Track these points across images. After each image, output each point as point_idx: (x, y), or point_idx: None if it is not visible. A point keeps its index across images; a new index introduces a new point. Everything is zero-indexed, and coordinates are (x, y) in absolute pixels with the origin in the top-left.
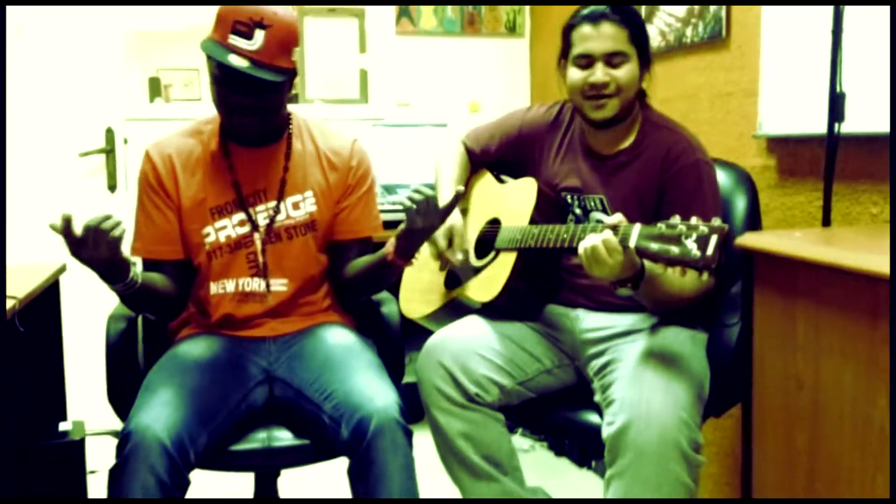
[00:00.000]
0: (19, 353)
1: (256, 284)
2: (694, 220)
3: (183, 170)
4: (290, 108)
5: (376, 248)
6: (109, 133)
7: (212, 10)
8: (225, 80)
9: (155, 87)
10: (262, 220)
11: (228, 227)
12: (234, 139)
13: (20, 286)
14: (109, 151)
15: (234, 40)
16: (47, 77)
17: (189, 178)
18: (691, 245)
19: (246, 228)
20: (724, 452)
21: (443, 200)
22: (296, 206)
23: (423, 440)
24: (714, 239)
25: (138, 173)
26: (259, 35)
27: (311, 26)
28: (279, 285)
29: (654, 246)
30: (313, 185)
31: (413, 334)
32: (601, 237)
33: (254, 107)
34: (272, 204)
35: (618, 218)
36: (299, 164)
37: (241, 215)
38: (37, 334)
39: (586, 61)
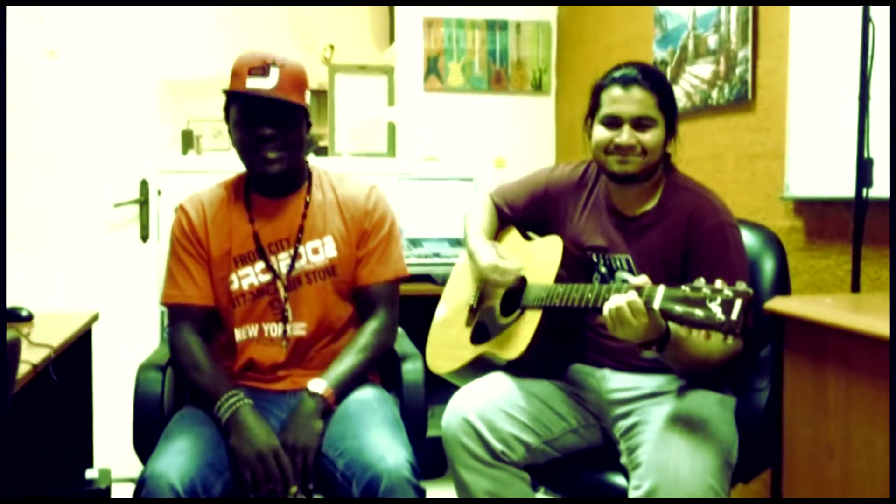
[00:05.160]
0: (50, 400)
1: (280, 329)
2: (719, 284)
3: (212, 222)
4: (316, 161)
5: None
6: (144, 185)
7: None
8: (247, 116)
9: (188, 140)
10: (283, 268)
11: (251, 276)
12: (257, 189)
13: (55, 335)
14: (143, 202)
15: (252, 82)
16: (84, 129)
17: (217, 229)
18: (716, 309)
19: (268, 276)
20: None
21: (472, 244)
22: (315, 251)
23: (447, 495)
24: (739, 303)
25: (172, 225)
26: (274, 72)
27: (341, 83)
28: (299, 329)
29: (679, 308)
30: (332, 230)
31: (438, 388)
32: (626, 298)
33: (276, 138)
34: (292, 250)
35: (643, 279)
36: (318, 212)
37: (262, 264)
38: (68, 382)
39: (614, 122)
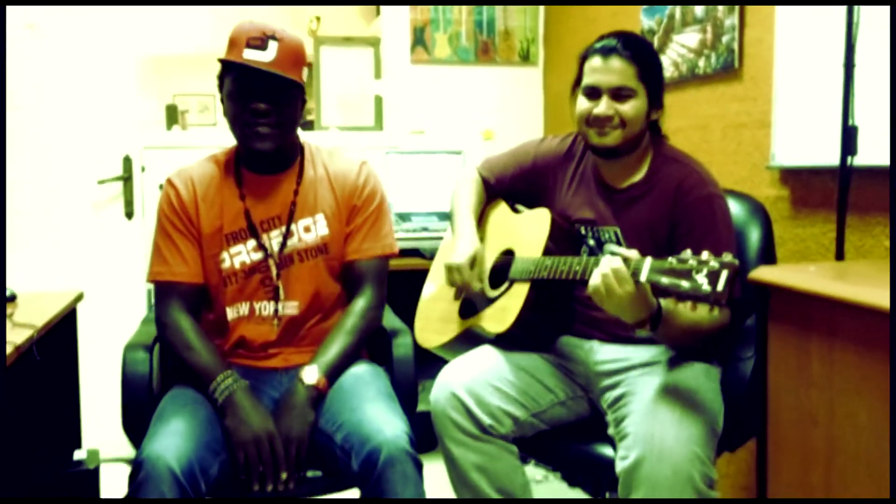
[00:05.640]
0: (36, 381)
1: (271, 307)
2: (705, 255)
3: (203, 198)
4: (304, 135)
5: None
6: (127, 161)
7: (227, 34)
8: (241, 89)
9: (172, 115)
10: (275, 246)
11: (243, 253)
12: (248, 165)
13: (38, 315)
14: (127, 179)
15: (249, 53)
16: (66, 106)
17: (208, 205)
18: (702, 280)
19: (260, 255)
20: (740, 486)
21: (458, 226)
22: (307, 229)
23: (436, 469)
24: (724, 274)
25: (160, 200)
26: (272, 46)
27: (326, 55)
28: (291, 308)
29: (665, 280)
30: (324, 207)
31: (427, 362)
32: (611, 265)
33: (269, 114)
34: (284, 228)
35: (632, 252)
36: (310, 189)
37: (254, 241)
38: (53, 362)
39: (593, 93)
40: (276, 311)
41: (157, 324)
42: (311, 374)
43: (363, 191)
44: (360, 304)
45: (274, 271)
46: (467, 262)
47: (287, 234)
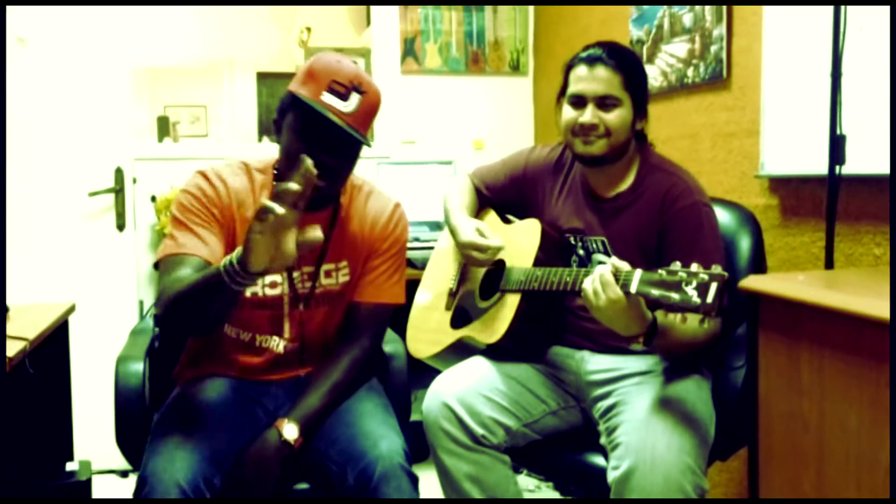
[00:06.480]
0: (28, 393)
1: (274, 342)
2: (694, 267)
3: (238, 210)
4: None
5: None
6: (119, 173)
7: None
8: (310, 134)
9: (163, 127)
10: (295, 286)
11: (258, 286)
12: None
13: (31, 327)
14: (119, 191)
15: (328, 99)
16: (57, 118)
17: (243, 223)
18: (691, 292)
19: (276, 291)
20: (732, 494)
21: (453, 218)
22: (328, 274)
23: (428, 479)
24: (714, 286)
25: (189, 188)
26: (354, 99)
27: None
28: (294, 345)
29: (655, 292)
30: (350, 255)
31: (420, 372)
32: (599, 273)
33: (330, 168)
34: (308, 269)
35: (621, 263)
36: (341, 233)
37: (275, 277)
38: (46, 374)
39: (579, 102)
40: (279, 345)
41: (161, 298)
42: (291, 431)
43: (390, 235)
44: (353, 355)
45: (286, 310)
46: (477, 234)
47: (314, 277)
